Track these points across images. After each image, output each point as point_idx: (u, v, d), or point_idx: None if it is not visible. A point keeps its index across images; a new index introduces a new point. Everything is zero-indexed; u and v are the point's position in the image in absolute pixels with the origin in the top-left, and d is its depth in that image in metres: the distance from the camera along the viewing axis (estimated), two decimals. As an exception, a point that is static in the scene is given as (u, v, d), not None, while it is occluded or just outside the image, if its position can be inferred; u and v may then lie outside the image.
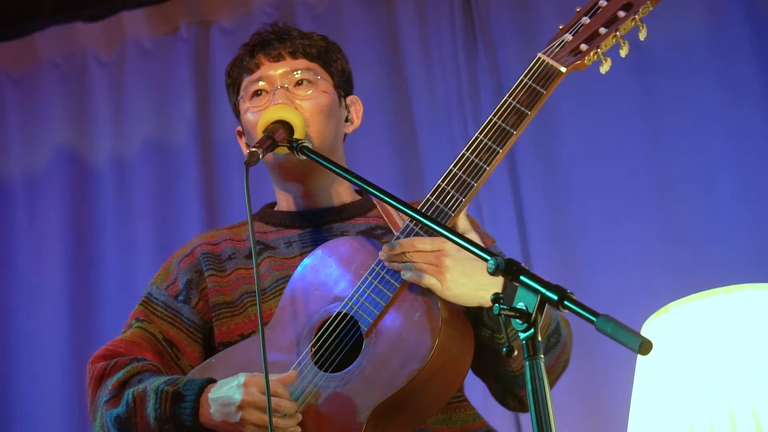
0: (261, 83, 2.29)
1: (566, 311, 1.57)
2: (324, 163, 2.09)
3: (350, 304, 2.08)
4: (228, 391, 2.03)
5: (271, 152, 2.12)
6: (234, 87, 2.37)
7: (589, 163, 3.77)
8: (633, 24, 2.12)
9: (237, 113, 2.39)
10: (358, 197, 2.38)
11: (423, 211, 2.06)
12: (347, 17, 4.11)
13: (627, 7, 2.12)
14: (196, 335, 2.27)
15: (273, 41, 2.33)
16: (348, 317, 2.08)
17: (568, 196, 3.79)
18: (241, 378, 2.03)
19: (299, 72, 2.30)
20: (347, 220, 2.32)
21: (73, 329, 4.03)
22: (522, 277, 1.62)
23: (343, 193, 2.35)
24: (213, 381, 2.09)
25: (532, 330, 1.59)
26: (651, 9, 2.11)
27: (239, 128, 2.41)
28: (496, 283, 2.01)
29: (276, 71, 2.30)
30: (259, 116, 2.23)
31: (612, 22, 2.12)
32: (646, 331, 2.29)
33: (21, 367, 4.04)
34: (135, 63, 4.26)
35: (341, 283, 2.12)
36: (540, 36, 3.90)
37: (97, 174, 4.21)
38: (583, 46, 2.11)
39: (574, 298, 1.57)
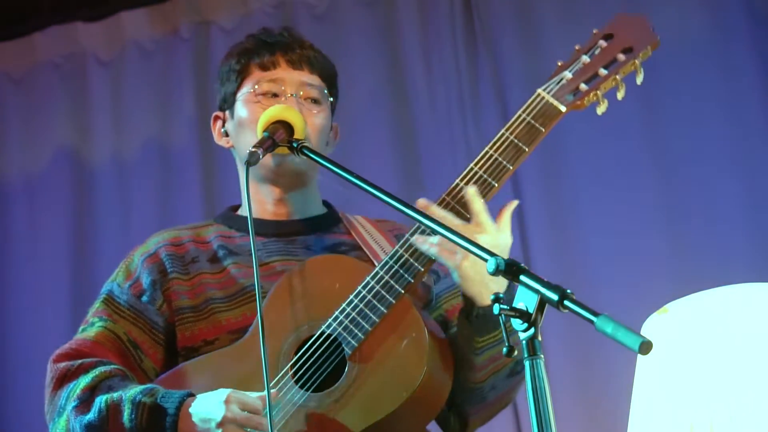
0: (278, 85, 2.27)
1: (566, 311, 1.57)
2: (325, 163, 2.09)
3: (334, 324, 2.06)
4: (209, 407, 2.00)
5: (270, 152, 2.11)
6: (239, 75, 2.33)
7: (589, 162, 3.77)
8: (632, 68, 2.14)
9: (229, 100, 2.34)
10: (324, 209, 2.37)
11: (406, 247, 2.07)
12: (347, 17, 4.11)
13: (627, 51, 2.13)
14: (159, 337, 2.23)
15: (294, 45, 2.32)
16: (332, 338, 2.06)
17: (568, 195, 3.79)
18: (223, 395, 2.00)
19: (314, 88, 2.29)
20: (312, 234, 2.31)
21: (73, 329, 4.01)
22: (522, 277, 1.61)
23: (312, 205, 2.35)
24: (191, 395, 2.06)
25: (533, 330, 1.59)
26: (650, 54, 2.14)
27: (218, 114, 2.38)
28: (501, 286, 2.03)
29: (294, 77, 2.28)
30: (260, 114, 2.21)
31: (612, 64, 2.14)
32: (646, 331, 2.28)
33: (21, 367, 4.04)
34: (135, 63, 4.27)
35: (325, 302, 2.09)
36: (540, 36, 3.91)
37: (97, 174, 4.21)
38: (583, 86, 2.13)
39: (574, 298, 1.57)
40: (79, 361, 2.18)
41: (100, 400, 2.08)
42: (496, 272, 1.63)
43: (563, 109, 2.11)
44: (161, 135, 4.21)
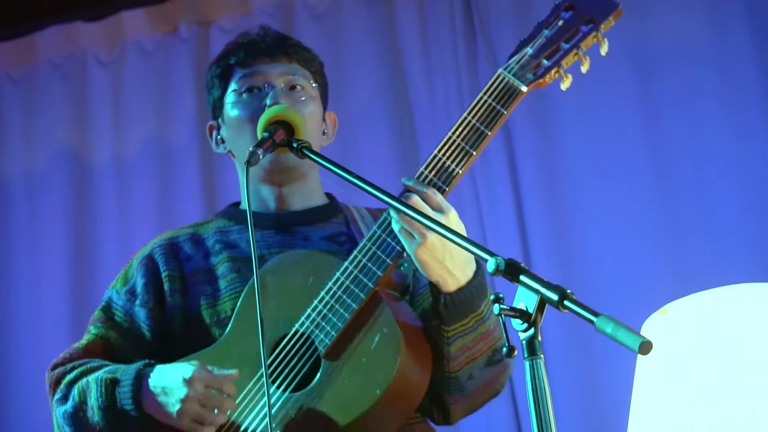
0: (256, 79, 2.28)
1: (566, 311, 1.57)
2: (324, 163, 2.08)
3: (307, 323, 2.05)
4: (171, 379, 2.00)
5: (270, 152, 2.11)
6: (222, 78, 2.34)
7: (588, 162, 3.77)
8: (595, 40, 2.06)
9: (218, 106, 2.34)
10: (326, 200, 2.36)
11: (374, 240, 2.04)
12: (347, 17, 4.11)
13: (589, 22, 2.06)
14: (150, 347, 2.23)
15: (268, 39, 2.33)
16: (305, 336, 2.05)
17: (567, 195, 3.79)
18: (188, 372, 2.00)
19: (296, 75, 2.29)
20: (310, 225, 2.29)
21: (74, 330, 4.02)
22: (522, 277, 1.61)
23: (312, 196, 2.34)
24: (151, 364, 2.06)
25: (532, 330, 1.59)
26: (613, 24, 2.06)
27: (212, 123, 2.37)
28: (467, 271, 2.01)
29: (273, 69, 2.29)
30: (248, 112, 2.23)
31: (573, 37, 2.06)
32: (646, 331, 2.28)
33: (21, 367, 4.04)
34: (135, 63, 4.26)
35: (300, 299, 2.07)
36: (540, 36, 3.90)
37: (97, 174, 4.21)
38: (545, 62, 2.06)
39: (574, 298, 1.57)
40: (71, 365, 2.20)
41: (75, 389, 2.11)
42: (495, 272, 1.62)
43: (524, 89, 2.06)
44: (161, 135, 4.21)
